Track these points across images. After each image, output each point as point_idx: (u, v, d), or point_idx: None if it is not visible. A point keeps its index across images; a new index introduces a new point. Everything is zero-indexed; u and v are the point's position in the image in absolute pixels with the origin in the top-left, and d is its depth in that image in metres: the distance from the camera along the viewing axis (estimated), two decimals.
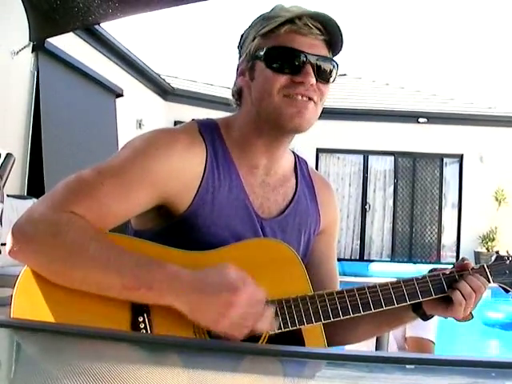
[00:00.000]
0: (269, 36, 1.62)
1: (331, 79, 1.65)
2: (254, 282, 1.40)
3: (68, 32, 7.19)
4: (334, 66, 1.64)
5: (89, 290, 1.38)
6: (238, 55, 1.75)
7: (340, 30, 1.60)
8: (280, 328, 1.47)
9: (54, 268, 1.39)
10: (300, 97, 1.58)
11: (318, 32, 1.59)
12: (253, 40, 1.65)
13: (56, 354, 1.05)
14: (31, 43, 7.28)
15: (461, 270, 1.68)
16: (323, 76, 1.62)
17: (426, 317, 1.71)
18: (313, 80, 1.58)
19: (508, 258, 1.75)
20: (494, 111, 15.34)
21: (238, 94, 1.74)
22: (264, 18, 1.65)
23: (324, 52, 1.62)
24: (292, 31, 1.59)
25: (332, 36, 1.61)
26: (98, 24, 7.78)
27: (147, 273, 1.37)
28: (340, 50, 1.65)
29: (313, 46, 1.59)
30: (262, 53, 1.62)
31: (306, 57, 1.58)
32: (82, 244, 1.40)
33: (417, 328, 3.18)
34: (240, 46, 1.74)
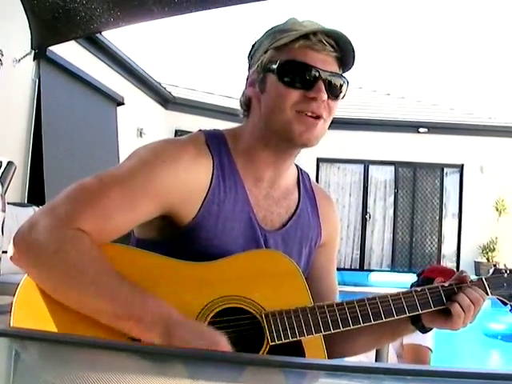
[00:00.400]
0: (282, 49, 1.62)
1: (341, 95, 1.66)
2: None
3: (70, 40, 7.21)
4: (344, 83, 1.65)
5: (82, 312, 1.37)
6: (247, 65, 1.75)
7: (353, 48, 1.61)
8: (280, 339, 1.48)
9: (51, 284, 1.39)
10: (310, 113, 1.59)
11: (331, 49, 1.60)
12: (265, 52, 1.65)
13: (55, 364, 1.05)
14: (33, 51, 7.29)
15: (459, 282, 1.69)
16: (334, 92, 1.63)
17: (424, 329, 1.72)
18: (325, 96, 1.59)
19: (506, 271, 1.77)
20: (494, 121, 15.37)
21: (247, 104, 1.74)
22: (277, 31, 1.65)
23: (335, 68, 1.62)
24: (306, 46, 1.59)
25: (344, 53, 1.62)
26: (100, 32, 7.81)
27: (139, 307, 1.37)
28: (351, 67, 1.66)
29: (325, 62, 1.60)
30: (274, 66, 1.61)
31: (318, 72, 1.58)
32: (82, 266, 1.39)
33: (414, 335, 3.19)
34: (250, 56, 1.73)
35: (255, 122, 1.69)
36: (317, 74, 1.58)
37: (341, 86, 1.64)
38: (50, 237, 1.40)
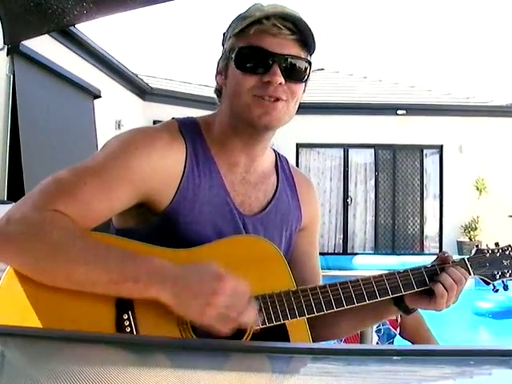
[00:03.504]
0: (240, 36, 1.62)
1: (303, 78, 1.64)
2: (236, 277, 1.42)
3: (43, 34, 7.08)
4: (304, 65, 1.63)
5: (75, 288, 1.38)
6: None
7: (310, 29, 1.60)
8: (264, 323, 1.48)
9: (38, 267, 1.39)
10: (268, 98, 1.59)
11: (288, 32, 1.58)
12: (229, 39, 1.66)
13: (38, 360, 1.04)
14: (6, 46, 7.21)
15: (442, 263, 1.71)
16: (293, 75, 1.61)
17: (408, 311, 1.73)
18: (280, 79, 1.57)
19: (488, 251, 1.79)
20: (471, 101, 15.44)
21: (219, 91, 1.75)
22: (239, 18, 1.66)
23: (294, 51, 1.61)
24: (261, 31, 1.58)
25: (303, 35, 1.60)
26: (74, 25, 7.70)
27: (133, 266, 1.38)
28: (313, 48, 1.65)
29: (282, 45, 1.59)
30: (233, 53, 1.62)
31: (272, 56, 1.58)
32: (67, 242, 1.40)
33: None
34: (222, 44, 1.74)
35: (224, 108, 1.71)
36: (271, 58, 1.58)
37: (302, 68, 1.63)
38: (30, 222, 1.41)
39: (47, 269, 1.39)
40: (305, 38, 1.61)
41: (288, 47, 1.60)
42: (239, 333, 1.46)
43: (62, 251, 1.39)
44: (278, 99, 1.59)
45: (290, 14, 1.58)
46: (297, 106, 1.67)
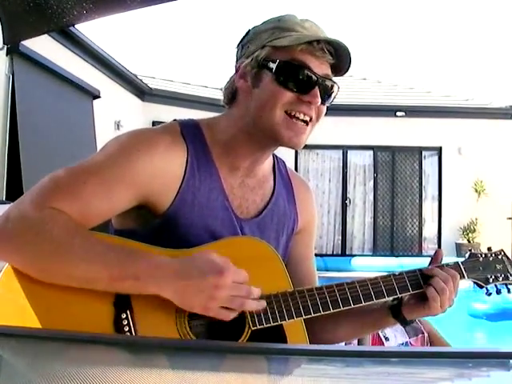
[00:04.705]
0: (282, 50, 1.61)
1: (330, 100, 1.68)
2: (234, 266, 1.43)
3: (42, 34, 7.09)
4: (336, 89, 1.67)
5: (75, 285, 1.39)
6: (237, 51, 1.73)
7: (350, 58, 1.63)
8: (262, 324, 1.48)
9: (39, 265, 1.40)
10: (302, 115, 1.60)
11: (330, 57, 1.61)
12: (262, 47, 1.64)
13: (36, 360, 1.04)
14: (5, 46, 7.21)
15: (436, 263, 1.72)
16: (325, 97, 1.65)
17: (406, 322, 1.73)
18: (319, 101, 1.60)
19: (481, 255, 1.81)
20: (470, 103, 15.45)
21: (233, 94, 1.73)
22: (277, 28, 1.64)
23: (329, 74, 1.64)
24: (307, 51, 1.59)
25: (341, 62, 1.64)
26: (73, 25, 7.70)
27: (133, 263, 1.40)
28: (344, 73, 1.68)
29: (322, 68, 1.61)
30: (272, 64, 1.61)
31: (317, 78, 1.60)
32: (67, 239, 1.41)
33: None
34: (242, 45, 1.71)
35: (241, 114, 1.69)
36: (315, 79, 1.60)
37: (333, 92, 1.67)
38: (29, 221, 1.41)
39: (47, 266, 1.39)
40: (341, 64, 1.64)
41: (326, 70, 1.63)
42: (237, 333, 1.47)
43: (63, 248, 1.40)
44: (307, 122, 1.62)
45: (335, 40, 1.60)
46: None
